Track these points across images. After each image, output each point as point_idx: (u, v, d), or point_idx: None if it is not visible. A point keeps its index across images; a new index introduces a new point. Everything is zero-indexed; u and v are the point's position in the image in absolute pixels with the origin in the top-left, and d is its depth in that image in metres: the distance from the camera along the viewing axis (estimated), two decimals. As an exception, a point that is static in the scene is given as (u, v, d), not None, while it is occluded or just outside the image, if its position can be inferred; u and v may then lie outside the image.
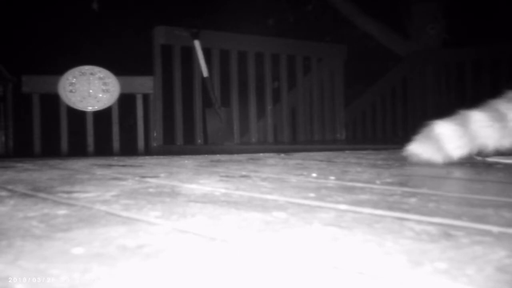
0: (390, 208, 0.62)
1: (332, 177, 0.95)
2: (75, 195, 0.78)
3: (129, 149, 3.44)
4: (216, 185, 0.87)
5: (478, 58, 4.32)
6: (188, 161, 1.41)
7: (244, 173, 1.06)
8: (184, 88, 3.47)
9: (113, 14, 6.09)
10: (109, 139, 3.32)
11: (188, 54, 3.47)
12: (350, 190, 0.78)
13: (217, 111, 3.45)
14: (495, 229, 0.50)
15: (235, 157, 1.57)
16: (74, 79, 3.24)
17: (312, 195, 0.74)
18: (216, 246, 0.45)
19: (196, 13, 5.54)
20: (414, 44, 4.70)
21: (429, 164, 1.19)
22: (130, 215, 0.60)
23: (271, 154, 1.69)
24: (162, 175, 1.04)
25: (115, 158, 1.69)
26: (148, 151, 3.39)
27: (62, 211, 0.64)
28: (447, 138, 1.17)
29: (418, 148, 1.21)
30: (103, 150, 3.32)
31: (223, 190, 0.80)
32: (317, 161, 1.38)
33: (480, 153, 1.18)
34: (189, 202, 0.69)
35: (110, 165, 1.30)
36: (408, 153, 1.22)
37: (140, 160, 1.51)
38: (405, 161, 1.24)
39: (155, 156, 1.75)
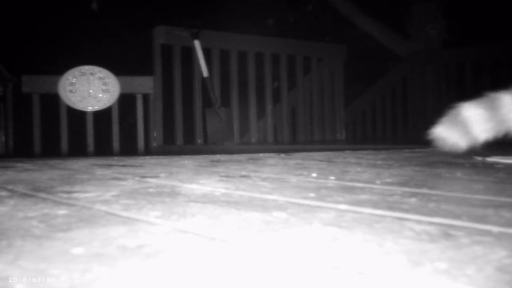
0: (390, 208, 0.62)
1: (332, 177, 0.95)
2: (75, 195, 0.78)
3: (129, 149, 3.43)
4: (216, 185, 0.87)
5: (478, 58, 4.32)
6: (188, 161, 1.41)
7: (244, 173, 1.06)
8: (184, 88, 3.47)
9: (113, 14, 6.09)
10: (109, 139, 3.32)
11: (188, 54, 3.47)
12: (350, 190, 0.78)
13: (217, 111, 3.45)
14: (495, 229, 0.50)
15: (235, 157, 1.57)
16: (74, 79, 3.24)
17: (312, 195, 0.74)
18: (216, 246, 0.45)
19: (196, 13, 5.54)
20: (414, 44, 4.70)
21: (452, 150, 1.16)
22: (130, 215, 0.60)
23: (271, 154, 1.69)
24: (162, 175, 1.04)
25: (115, 158, 1.69)
26: (148, 151, 3.39)
27: (62, 211, 0.64)
28: (474, 122, 1.13)
29: (444, 132, 1.17)
30: (103, 150, 3.32)
31: (223, 190, 0.80)
32: (317, 161, 1.38)
33: (506, 135, 1.14)
34: (189, 202, 0.69)
35: (110, 165, 1.30)
36: (433, 137, 1.18)
37: (140, 160, 1.51)
38: (405, 162, 1.24)
39: (155, 156, 1.75)
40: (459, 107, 1.16)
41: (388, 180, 0.91)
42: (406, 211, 0.60)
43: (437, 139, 1.17)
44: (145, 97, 3.41)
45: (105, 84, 3.28)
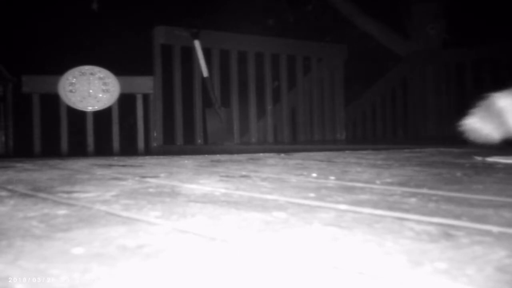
0: (390, 208, 0.62)
1: (332, 177, 0.96)
2: (75, 195, 0.78)
3: (129, 149, 3.43)
4: (216, 185, 0.87)
5: (478, 58, 4.32)
6: (188, 161, 1.41)
7: (244, 173, 1.06)
8: (184, 88, 3.47)
9: (113, 14, 6.09)
10: (109, 139, 3.32)
11: (188, 54, 3.47)
12: (350, 190, 0.78)
13: (217, 111, 3.45)
14: (495, 229, 0.50)
15: (235, 157, 1.57)
16: (74, 79, 3.24)
17: (312, 195, 0.74)
18: (216, 246, 0.45)
19: (196, 13, 5.54)
20: (414, 44, 4.70)
21: (486, 142, 1.12)
22: (130, 215, 0.60)
23: (271, 154, 1.69)
24: (162, 175, 1.04)
25: (115, 158, 1.69)
26: (148, 151, 3.39)
27: (62, 211, 0.64)
28: (509, 112, 1.08)
29: (477, 123, 1.12)
30: (103, 150, 3.32)
31: (223, 190, 0.80)
32: (317, 161, 1.38)
33: None
34: (189, 202, 0.69)
35: (110, 165, 1.30)
36: (466, 129, 1.13)
37: (140, 160, 1.51)
38: (405, 162, 1.24)
39: (155, 156, 1.75)
40: (491, 98, 1.11)
41: (388, 180, 0.91)
42: (406, 211, 0.60)
43: (469, 131, 1.12)
44: (145, 97, 3.41)
45: (105, 84, 3.28)
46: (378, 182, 0.88)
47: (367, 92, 4.69)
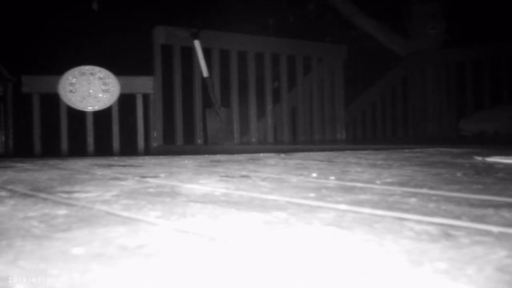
0: (390, 208, 0.62)
1: (332, 177, 0.95)
2: (75, 195, 0.78)
3: (129, 149, 3.43)
4: (216, 185, 0.87)
5: (478, 58, 4.32)
6: (188, 161, 1.41)
7: (244, 173, 1.06)
8: (184, 88, 3.47)
9: (113, 14, 6.09)
10: (109, 139, 3.32)
11: (188, 54, 3.47)
12: (350, 190, 0.78)
13: (217, 111, 3.45)
14: (495, 229, 0.50)
15: (235, 157, 1.57)
16: (74, 79, 3.24)
17: (312, 195, 0.74)
18: (216, 246, 0.45)
19: (196, 13, 5.54)
20: (414, 44, 4.70)
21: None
22: (130, 215, 0.60)
23: (271, 154, 1.69)
24: (162, 175, 1.04)
25: (115, 158, 1.69)
26: (148, 151, 3.39)
27: (62, 211, 0.64)
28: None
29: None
30: (103, 150, 3.31)
31: (223, 190, 0.80)
32: (317, 161, 1.38)
33: None
34: (189, 202, 0.69)
35: (110, 165, 1.30)
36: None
37: (140, 160, 1.51)
38: (405, 162, 1.24)
39: (155, 156, 1.75)
40: None
41: (388, 180, 0.91)
42: (406, 211, 0.60)
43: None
44: (145, 97, 3.41)
45: (105, 84, 3.28)
46: (378, 182, 0.88)
47: (367, 92, 4.69)
